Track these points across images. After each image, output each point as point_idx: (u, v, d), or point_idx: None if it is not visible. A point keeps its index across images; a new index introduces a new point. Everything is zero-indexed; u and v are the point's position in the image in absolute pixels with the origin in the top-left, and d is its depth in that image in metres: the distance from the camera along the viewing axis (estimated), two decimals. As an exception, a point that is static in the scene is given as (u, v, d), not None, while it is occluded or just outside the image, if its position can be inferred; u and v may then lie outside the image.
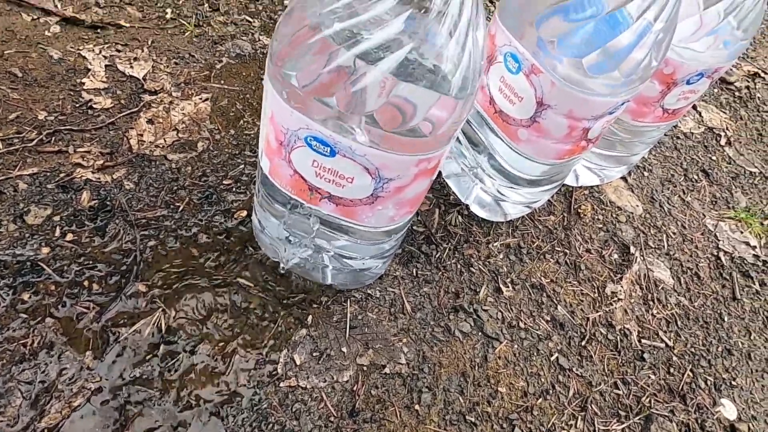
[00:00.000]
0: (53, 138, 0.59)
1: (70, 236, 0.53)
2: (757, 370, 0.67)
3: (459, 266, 0.63)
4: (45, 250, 0.52)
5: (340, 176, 0.40)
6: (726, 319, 0.70)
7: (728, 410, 0.61)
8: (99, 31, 0.71)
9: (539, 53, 0.51)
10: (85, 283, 0.51)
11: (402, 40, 0.33)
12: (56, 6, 0.71)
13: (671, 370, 0.63)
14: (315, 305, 0.56)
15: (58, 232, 0.53)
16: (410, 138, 0.38)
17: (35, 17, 0.70)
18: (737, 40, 0.59)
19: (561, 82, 0.50)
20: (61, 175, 0.57)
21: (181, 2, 0.79)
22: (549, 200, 0.74)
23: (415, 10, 0.32)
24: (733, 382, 0.64)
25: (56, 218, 0.54)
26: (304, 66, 0.35)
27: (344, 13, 0.33)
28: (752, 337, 0.69)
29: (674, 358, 0.64)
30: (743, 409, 0.62)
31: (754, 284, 0.75)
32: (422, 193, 0.46)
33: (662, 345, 0.64)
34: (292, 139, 0.39)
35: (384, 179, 0.40)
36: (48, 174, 0.56)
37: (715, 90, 1.06)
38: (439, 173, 0.71)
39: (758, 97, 1.08)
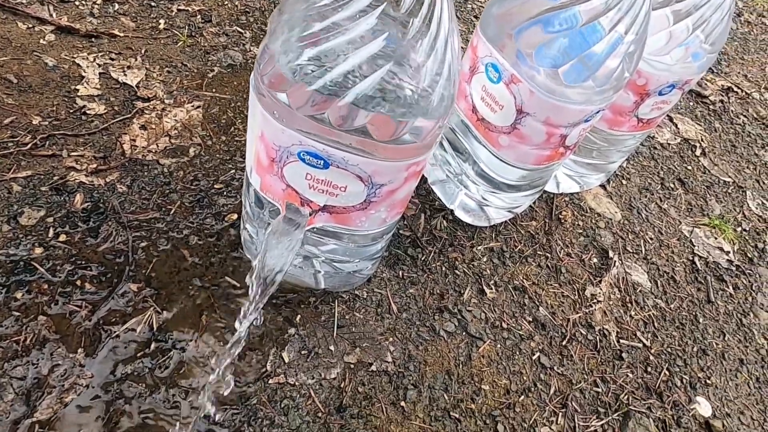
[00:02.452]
0: (47, 142, 0.60)
1: (63, 237, 0.54)
2: (730, 370, 0.69)
3: (444, 269, 0.65)
4: (38, 250, 0.53)
5: (333, 186, 0.41)
6: (701, 320, 0.73)
7: (703, 407, 0.64)
8: (93, 40, 0.73)
9: (518, 64, 0.54)
10: (78, 283, 0.52)
11: (384, 59, 0.34)
12: (51, 15, 0.73)
13: (648, 369, 0.65)
14: (303, 305, 0.57)
15: (51, 233, 0.54)
16: (400, 146, 0.39)
17: (30, 26, 0.71)
18: (705, 53, 0.63)
19: (539, 91, 0.53)
20: (55, 178, 0.58)
21: (174, 13, 0.82)
22: (531, 206, 0.76)
23: (393, 30, 0.34)
24: (708, 381, 0.67)
25: (50, 219, 0.55)
26: (292, 86, 0.36)
27: (326, 35, 0.34)
28: (726, 338, 0.72)
29: (651, 358, 0.66)
30: (717, 406, 0.65)
31: (728, 288, 0.78)
32: (410, 194, 0.48)
33: (640, 345, 0.67)
34: (285, 155, 0.40)
35: (376, 185, 0.42)
36: (42, 177, 0.58)
37: (691, 103, 1.10)
38: (425, 179, 0.73)
39: (731, 110, 1.13)
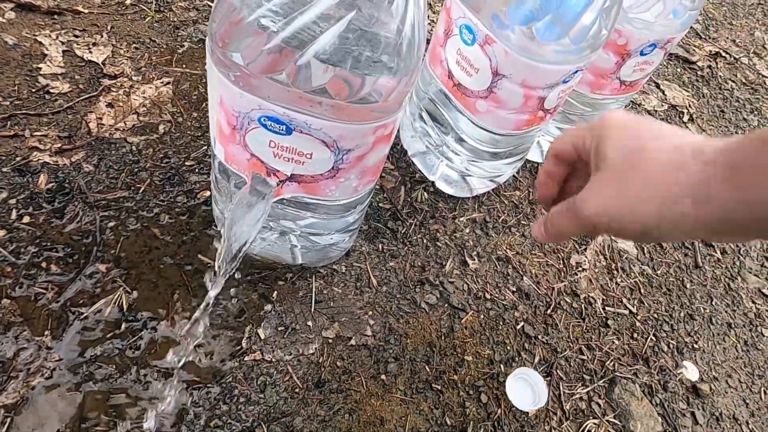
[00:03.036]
0: (9, 122, 0.58)
1: (26, 219, 0.52)
2: (718, 334, 0.68)
3: (425, 241, 0.64)
4: (1, 232, 0.51)
5: (299, 153, 0.39)
6: (688, 286, 0.72)
7: (690, 372, 0.63)
8: (56, 17, 0.70)
9: (492, 24, 0.52)
10: (43, 264, 0.50)
11: (341, 13, 0.32)
12: (11, -8, 0.70)
13: (635, 335, 0.64)
14: (280, 281, 0.56)
15: (14, 215, 0.52)
16: (363, 106, 0.37)
17: (-11, 4, 0.68)
18: (686, 9, 0.61)
19: (514, 50, 0.51)
20: (17, 159, 0.56)
21: (141, -12, 0.79)
22: (514, 176, 0.75)
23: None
24: (695, 346, 0.66)
25: (12, 201, 0.53)
26: (247, 45, 0.34)
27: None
28: (714, 303, 0.71)
29: (638, 324, 0.65)
30: (705, 370, 0.64)
31: (716, 253, 0.77)
32: (382, 160, 0.46)
33: (626, 312, 0.66)
34: (245, 121, 0.38)
35: (343, 151, 0.40)
36: (3, 158, 0.56)
37: (678, 69, 1.09)
38: (405, 152, 0.72)
39: (720, 76, 1.11)
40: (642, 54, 0.63)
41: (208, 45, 0.37)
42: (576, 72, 0.54)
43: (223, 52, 0.35)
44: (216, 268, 0.42)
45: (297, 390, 0.50)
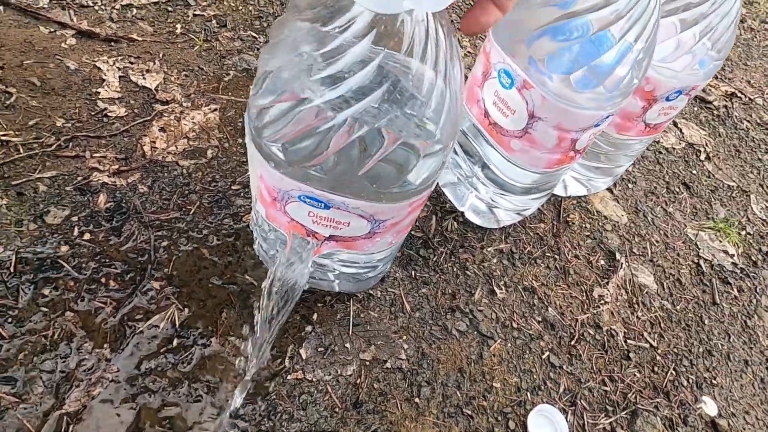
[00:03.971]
0: (71, 144, 0.62)
1: (87, 236, 0.56)
2: (735, 371, 0.70)
3: (455, 269, 0.67)
4: (64, 248, 0.54)
5: (336, 222, 0.41)
6: (706, 322, 0.74)
7: (709, 407, 0.65)
8: (113, 44, 0.75)
9: (530, 70, 0.55)
10: (103, 280, 0.53)
11: (383, 105, 0.32)
12: (72, 20, 0.75)
13: (655, 368, 0.66)
14: (319, 304, 0.59)
15: (76, 232, 0.56)
16: (401, 191, 0.39)
17: (52, 30, 0.73)
18: (712, 60, 0.64)
19: (551, 96, 0.54)
20: (79, 178, 0.60)
21: (190, 18, 0.83)
22: (539, 209, 0.78)
23: (390, 83, 0.31)
24: (714, 381, 0.68)
25: (74, 218, 0.56)
26: (285, 134, 0.35)
27: (324, 84, 0.32)
28: (731, 340, 0.73)
29: (658, 358, 0.67)
30: (723, 406, 0.66)
31: (733, 290, 0.80)
32: (415, 219, 0.47)
33: (647, 345, 0.68)
34: (285, 196, 0.39)
35: (379, 221, 0.41)
36: (66, 177, 0.59)
37: (695, 108, 1.12)
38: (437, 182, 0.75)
39: (735, 116, 1.14)
40: (668, 99, 0.66)
41: (247, 124, 0.38)
42: (608, 117, 0.57)
43: (262, 142, 0.36)
44: (258, 322, 0.44)
45: (336, 409, 0.52)
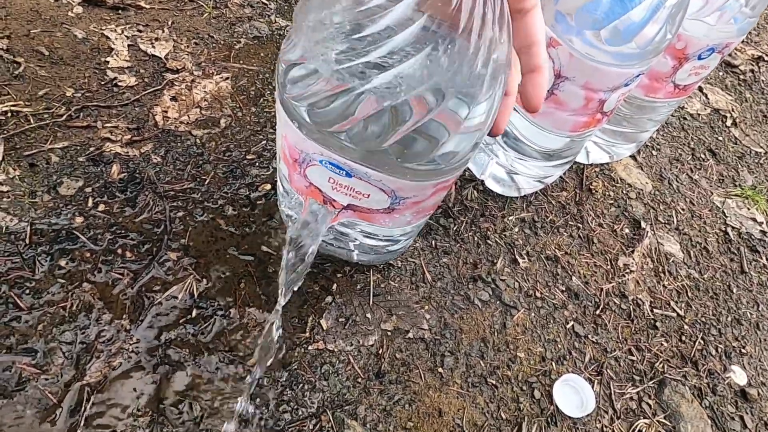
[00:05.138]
0: (81, 114, 0.61)
1: (102, 207, 0.55)
2: (765, 340, 0.69)
3: (476, 238, 0.65)
4: (79, 219, 0.53)
5: (356, 192, 0.39)
6: (735, 291, 0.72)
7: (738, 376, 0.63)
8: (120, 11, 0.73)
9: (557, 26, 0.52)
10: (119, 251, 0.52)
11: (418, 74, 0.29)
12: (78, -12, 0.73)
13: (683, 338, 0.65)
14: (339, 274, 0.57)
15: (90, 203, 0.54)
16: (427, 168, 0.36)
17: (58, -2, 0.71)
18: (745, 16, 0.61)
19: (579, 53, 0.51)
20: (91, 149, 0.58)
21: (198, -15, 0.81)
22: (561, 177, 0.75)
23: (433, 44, 0.28)
24: (743, 350, 0.66)
25: (88, 189, 0.55)
26: (314, 100, 0.33)
27: (355, 48, 0.29)
28: (760, 309, 0.71)
29: (686, 327, 0.66)
30: (753, 375, 0.64)
31: (761, 258, 0.77)
32: (439, 201, 0.45)
33: (674, 314, 0.66)
34: (307, 159, 0.38)
35: (400, 198, 0.39)
36: (78, 148, 0.58)
37: (720, 73, 1.08)
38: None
39: (762, 80, 1.10)
40: (699, 58, 0.63)
41: (278, 85, 0.36)
42: (638, 75, 0.54)
43: (289, 101, 0.35)
44: (281, 283, 0.43)
45: (359, 379, 0.51)
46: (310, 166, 0.39)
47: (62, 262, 0.50)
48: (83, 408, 0.44)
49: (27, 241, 0.50)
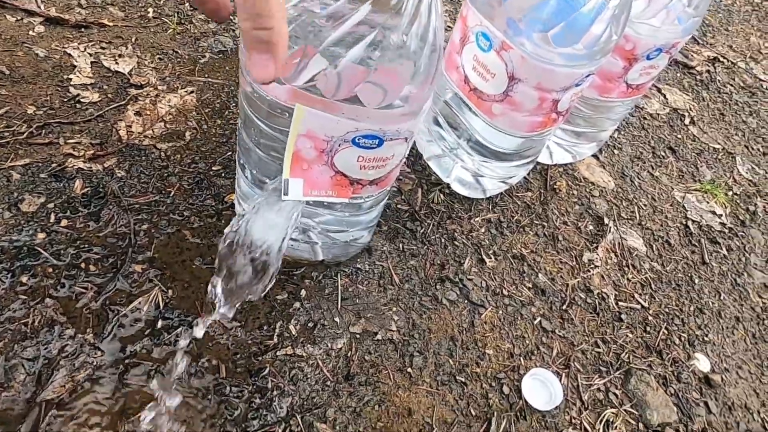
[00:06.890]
0: (43, 131, 0.61)
1: (65, 222, 0.54)
2: (727, 327, 0.71)
3: (443, 240, 0.66)
4: (41, 235, 0.53)
5: (384, 160, 0.43)
6: (696, 281, 0.74)
7: (702, 363, 0.65)
8: (83, 30, 0.73)
9: (508, 31, 0.54)
10: (83, 265, 0.52)
11: (365, 30, 0.34)
12: (39, 7, 0.73)
13: (647, 328, 0.66)
14: (307, 280, 0.58)
15: (53, 219, 0.54)
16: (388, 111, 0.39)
17: (19, 18, 0.71)
18: (689, 16, 0.64)
19: (529, 55, 0.53)
20: (53, 165, 0.58)
21: (162, 2, 0.82)
22: (526, 177, 0.77)
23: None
24: (706, 338, 0.68)
25: (50, 205, 0.55)
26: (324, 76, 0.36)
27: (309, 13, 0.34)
28: (721, 297, 0.74)
29: (650, 318, 0.67)
30: (716, 362, 0.66)
31: (722, 249, 0.80)
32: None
33: (638, 306, 0.68)
34: (336, 144, 0.40)
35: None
36: (40, 164, 0.58)
37: (678, 74, 1.12)
38: (421, 155, 0.74)
39: (718, 80, 1.14)
40: (648, 58, 0.65)
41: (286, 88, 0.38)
42: (588, 75, 0.57)
43: (302, 87, 0.36)
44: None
45: (328, 382, 0.51)
46: (340, 151, 0.40)
47: (24, 279, 0.50)
48: (46, 423, 0.43)
49: (-13, 259, 0.50)
